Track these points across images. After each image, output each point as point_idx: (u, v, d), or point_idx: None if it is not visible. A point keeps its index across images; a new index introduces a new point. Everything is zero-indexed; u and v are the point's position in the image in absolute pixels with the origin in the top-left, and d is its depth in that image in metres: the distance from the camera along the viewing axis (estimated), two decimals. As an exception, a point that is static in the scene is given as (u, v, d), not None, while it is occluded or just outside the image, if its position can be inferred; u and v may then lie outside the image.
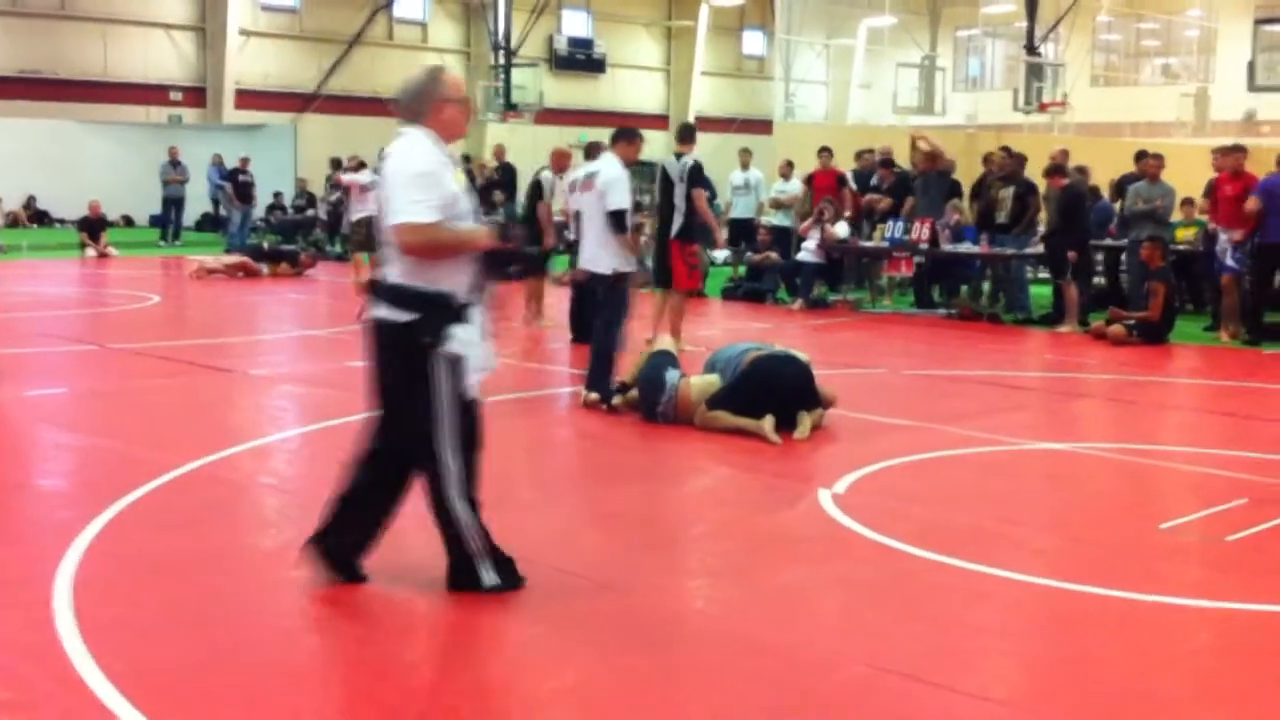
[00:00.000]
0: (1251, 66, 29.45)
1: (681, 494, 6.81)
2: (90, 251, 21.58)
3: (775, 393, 7.84)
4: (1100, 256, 15.88)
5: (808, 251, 15.68)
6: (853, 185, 16.91)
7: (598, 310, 8.77)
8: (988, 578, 5.15)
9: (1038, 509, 6.49)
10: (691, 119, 37.01)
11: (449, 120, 4.68)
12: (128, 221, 28.70)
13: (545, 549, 5.24)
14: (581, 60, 36.64)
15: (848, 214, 16.33)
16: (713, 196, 20.06)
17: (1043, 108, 27.02)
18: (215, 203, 26.77)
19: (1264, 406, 9.60)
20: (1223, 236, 13.06)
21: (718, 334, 12.16)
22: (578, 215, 9.21)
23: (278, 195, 26.21)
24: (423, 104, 4.66)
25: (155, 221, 26.72)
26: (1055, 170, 14.00)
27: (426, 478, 4.69)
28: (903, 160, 16.73)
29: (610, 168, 8.74)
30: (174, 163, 25.57)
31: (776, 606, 4.77)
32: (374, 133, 28.82)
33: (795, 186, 17.39)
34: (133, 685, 3.87)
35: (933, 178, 15.79)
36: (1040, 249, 14.31)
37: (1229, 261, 12.98)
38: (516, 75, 30.63)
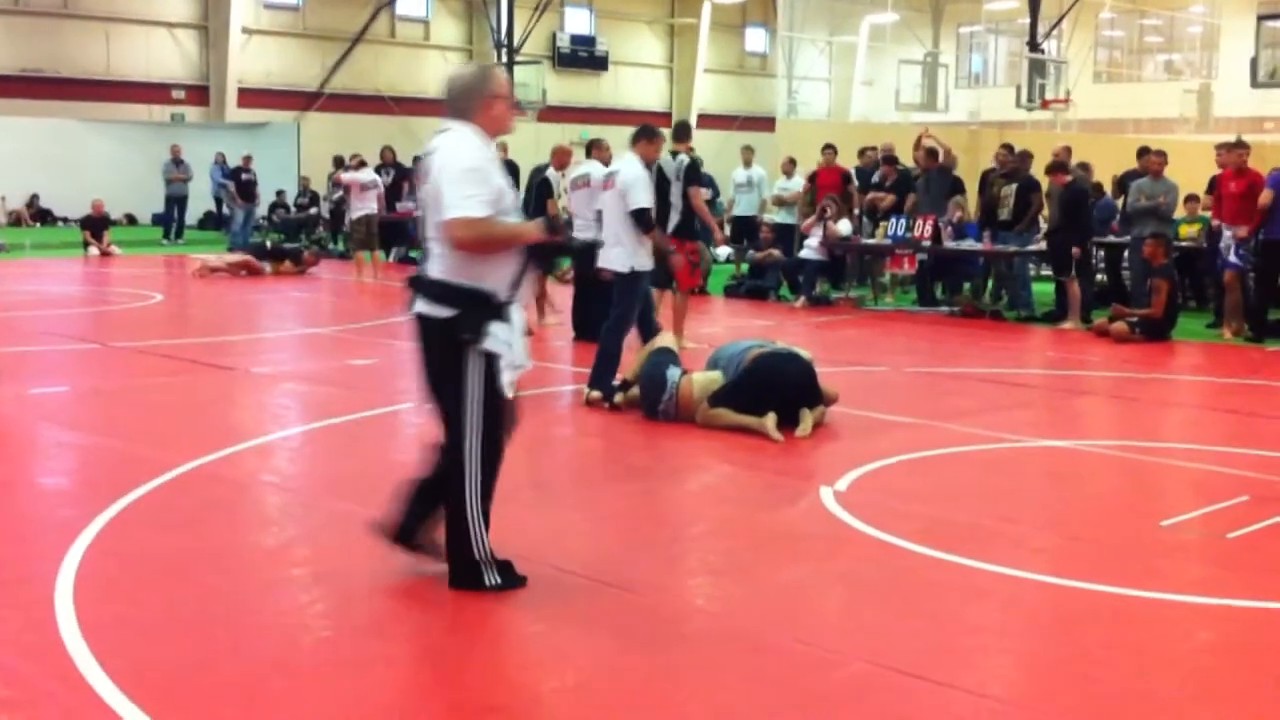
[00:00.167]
0: (1254, 63, 29.38)
1: (683, 492, 6.81)
2: (93, 250, 21.61)
3: (777, 390, 7.84)
4: (1102, 253, 15.89)
5: (810, 249, 15.68)
6: (855, 182, 16.92)
7: (612, 307, 8.82)
8: (988, 575, 5.15)
9: (1039, 507, 6.48)
10: (694, 116, 37.06)
11: (497, 116, 4.72)
12: (130, 220, 28.74)
13: (546, 547, 5.25)
14: (584, 58, 36.63)
15: (857, 210, 16.35)
16: (715, 194, 20.16)
17: (1045, 104, 26.97)
18: (218, 201, 26.79)
19: (1266, 404, 9.60)
20: (1226, 233, 13.04)
21: (720, 331, 12.16)
22: (599, 215, 9.28)
23: (280, 194, 26.21)
24: (472, 100, 4.69)
25: (158, 220, 26.75)
26: (1057, 167, 14.00)
27: (451, 476, 4.71)
28: (907, 158, 16.73)
29: (630, 167, 8.83)
30: (177, 161, 25.59)
31: (778, 604, 4.77)
32: (377, 130, 28.91)
33: (798, 184, 17.38)
34: (133, 684, 3.87)
35: (935, 175, 15.80)
36: (1042, 246, 14.30)
37: (1232, 258, 12.96)
38: (519, 73, 30.60)
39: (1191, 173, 15.52)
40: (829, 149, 16.94)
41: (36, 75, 28.05)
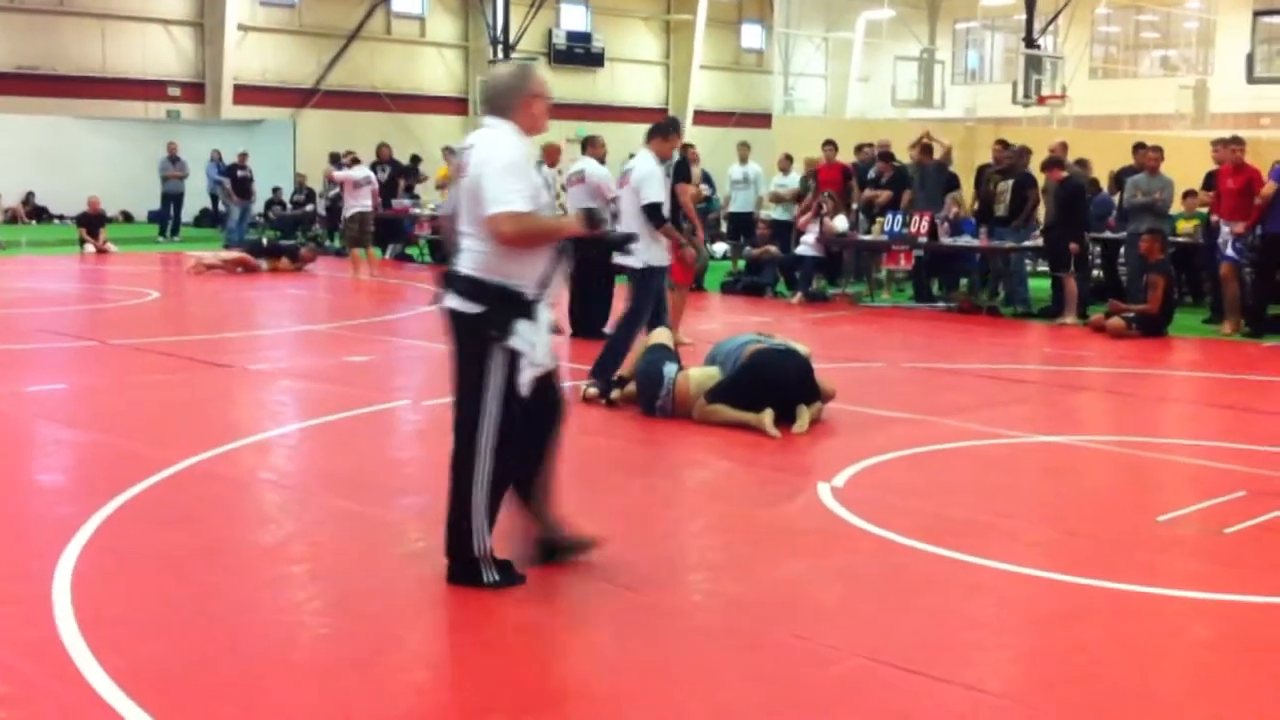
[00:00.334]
0: (1250, 58, 29.42)
1: (680, 488, 6.82)
2: (89, 247, 21.57)
3: (775, 386, 7.84)
4: (1099, 249, 15.89)
5: (807, 245, 15.68)
6: (855, 178, 16.92)
7: (627, 301, 8.95)
8: (986, 570, 5.16)
9: (1036, 502, 6.49)
10: (690, 113, 37.08)
11: (536, 115, 4.79)
12: (126, 217, 28.69)
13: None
14: (580, 54, 36.61)
15: (855, 205, 16.36)
16: (712, 191, 20.16)
17: (1041, 100, 26.97)
18: (214, 198, 26.75)
19: (1263, 399, 9.61)
20: (1224, 229, 13.05)
21: (717, 328, 12.16)
22: (615, 213, 9.38)
23: (276, 190, 26.18)
24: (512, 99, 4.75)
25: (154, 217, 26.70)
26: (1053, 163, 14.00)
27: (459, 467, 4.73)
28: (903, 154, 16.74)
29: (644, 163, 8.95)
30: (173, 158, 25.54)
31: (775, 600, 4.78)
32: (373, 127, 28.90)
33: (794, 180, 17.38)
34: (131, 681, 3.87)
35: (931, 171, 15.80)
36: (1039, 242, 14.31)
37: (1229, 253, 12.97)
38: (515, 69, 30.59)
39: (1187, 169, 15.52)
40: (829, 145, 16.94)
41: (32, 72, 28.00)
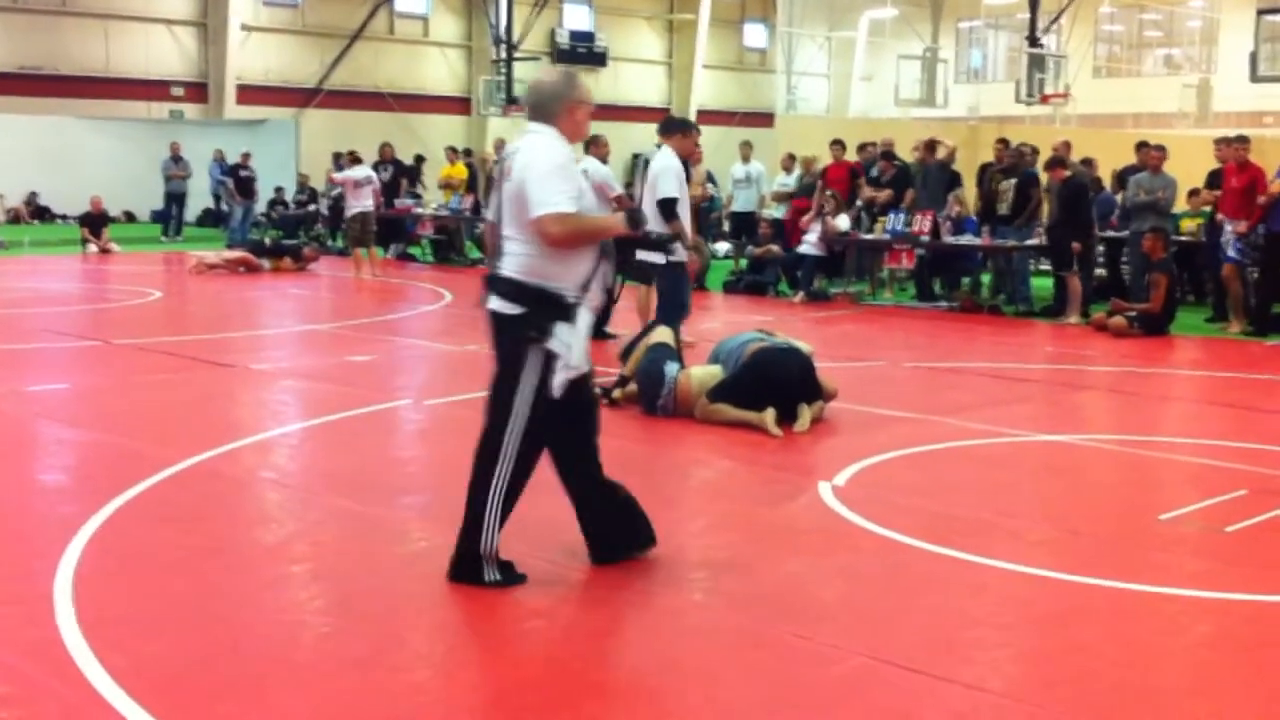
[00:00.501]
0: (1254, 57, 29.34)
1: (681, 487, 6.82)
2: (92, 247, 21.59)
3: (777, 385, 7.84)
4: (1102, 248, 15.88)
5: (809, 244, 15.68)
6: (862, 177, 16.92)
7: (659, 298, 9.27)
8: (987, 569, 5.16)
9: (1037, 501, 6.49)
10: (693, 112, 37.03)
11: (580, 121, 4.89)
12: (129, 217, 28.72)
13: (544, 542, 5.24)
14: (583, 53, 36.57)
15: (860, 204, 16.35)
16: (714, 190, 20.15)
17: (1045, 99, 26.91)
18: (217, 198, 26.79)
19: (1265, 398, 9.60)
20: (1227, 228, 13.03)
21: (719, 327, 12.16)
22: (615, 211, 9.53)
23: (279, 190, 26.21)
24: (556, 105, 4.84)
25: (157, 217, 26.74)
26: (1056, 163, 13.99)
27: (481, 464, 4.77)
28: (906, 153, 16.73)
29: (661, 159, 9.17)
30: (176, 158, 25.57)
31: (776, 599, 4.78)
32: (375, 127, 28.90)
33: (795, 180, 17.38)
34: (133, 680, 3.88)
35: (933, 170, 15.79)
36: (1041, 240, 14.30)
37: (1231, 253, 12.96)
38: (518, 69, 30.57)
39: (1190, 168, 15.50)
40: (837, 144, 16.96)
41: (35, 72, 28.02)
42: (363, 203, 17.83)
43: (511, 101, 30.99)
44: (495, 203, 4.88)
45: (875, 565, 5.22)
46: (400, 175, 22.21)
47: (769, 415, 7.65)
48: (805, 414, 7.78)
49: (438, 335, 12.13)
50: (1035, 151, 15.15)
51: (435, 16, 34.57)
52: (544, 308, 4.68)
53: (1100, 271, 15.73)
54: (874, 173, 16.83)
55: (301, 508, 6.02)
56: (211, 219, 28.18)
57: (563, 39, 36.13)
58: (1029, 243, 14.46)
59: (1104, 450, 7.63)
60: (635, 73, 38.80)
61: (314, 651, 4.26)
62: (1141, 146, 15.00)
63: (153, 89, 29.92)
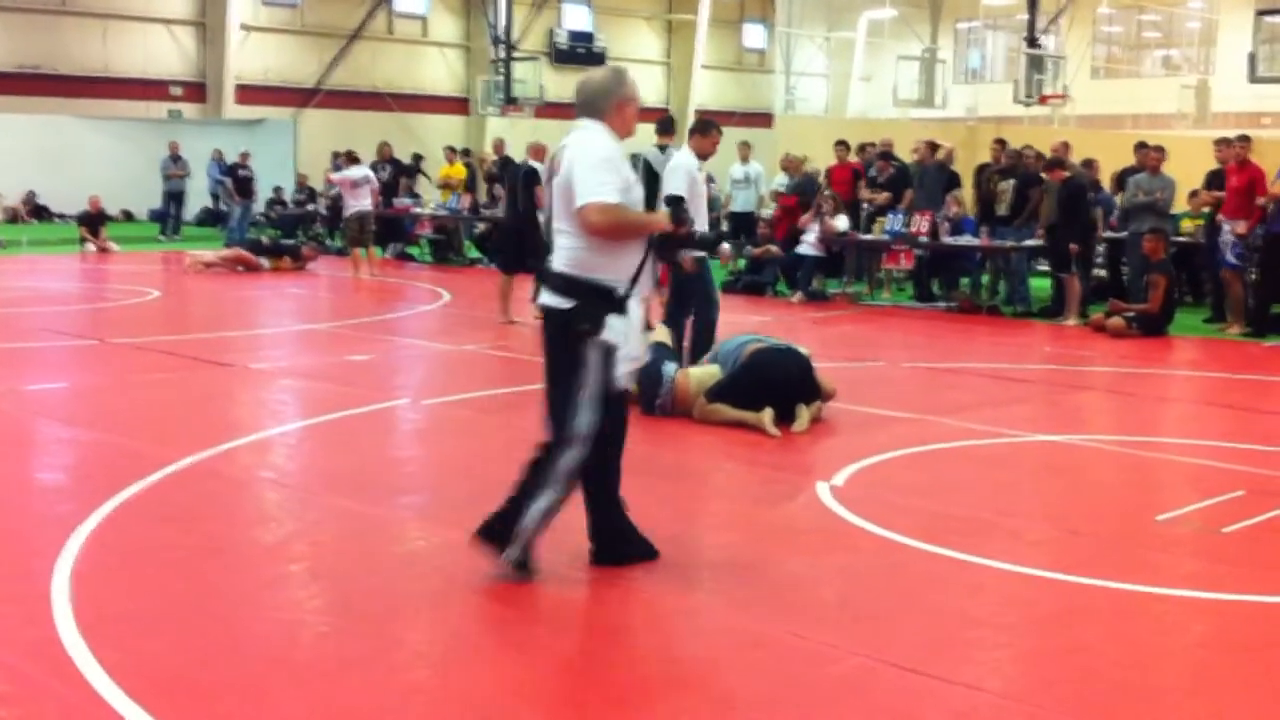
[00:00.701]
0: (1252, 58, 29.36)
1: (680, 487, 6.80)
2: (90, 247, 21.57)
3: (775, 385, 7.84)
4: (1101, 249, 15.87)
5: (807, 244, 15.67)
6: (864, 178, 16.94)
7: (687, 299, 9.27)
8: (985, 570, 5.16)
9: (1036, 501, 6.49)
10: (692, 112, 37.01)
11: (628, 118, 4.98)
12: (128, 216, 28.68)
13: (544, 542, 5.23)
14: (582, 54, 36.53)
15: (863, 204, 16.36)
16: (713, 191, 20.13)
17: (1043, 100, 26.94)
18: (215, 198, 26.75)
19: (1263, 399, 9.61)
20: (1226, 229, 13.02)
21: (718, 327, 12.12)
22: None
23: (278, 190, 26.19)
24: (606, 101, 4.93)
25: (155, 216, 26.71)
26: (1055, 164, 13.98)
27: (545, 453, 4.80)
28: (905, 154, 16.73)
29: (678, 157, 9.17)
30: (174, 158, 25.55)
31: (775, 599, 4.78)
32: (374, 127, 28.90)
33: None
34: (131, 679, 3.87)
35: (932, 170, 15.79)
36: (1040, 241, 14.29)
37: (1229, 257, 12.95)
38: (517, 69, 30.61)
39: (1189, 168, 15.50)
40: (841, 145, 16.98)
41: (34, 72, 28.01)
42: (361, 202, 17.82)
43: (510, 102, 31.01)
44: (549, 198, 4.93)
45: (874, 565, 5.23)
46: (399, 174, 22.20)
47: (767, 415, 7.65)
48: (804, 414, 7.78)
49: (436, 335, 12.11)
50: (1039, 157, 15.13)
51: (434, 16, 34.58)
52: (595, 300, 4.72)
53: (1100, 272, 15.73)
54: (872, 173, 16.83)
55: (300, 507, 6.02)
56: (210, 218, 28.14)
57: (561, 39, 36.11)
58: (1027, 243, 14.46)
59: (1103, 451, 7.63)
60: (634, 73, 37.91)
61: (313, 651, 4.26)
62: (1140, 147, 15.00)
63: (151, 89, 29.92)
